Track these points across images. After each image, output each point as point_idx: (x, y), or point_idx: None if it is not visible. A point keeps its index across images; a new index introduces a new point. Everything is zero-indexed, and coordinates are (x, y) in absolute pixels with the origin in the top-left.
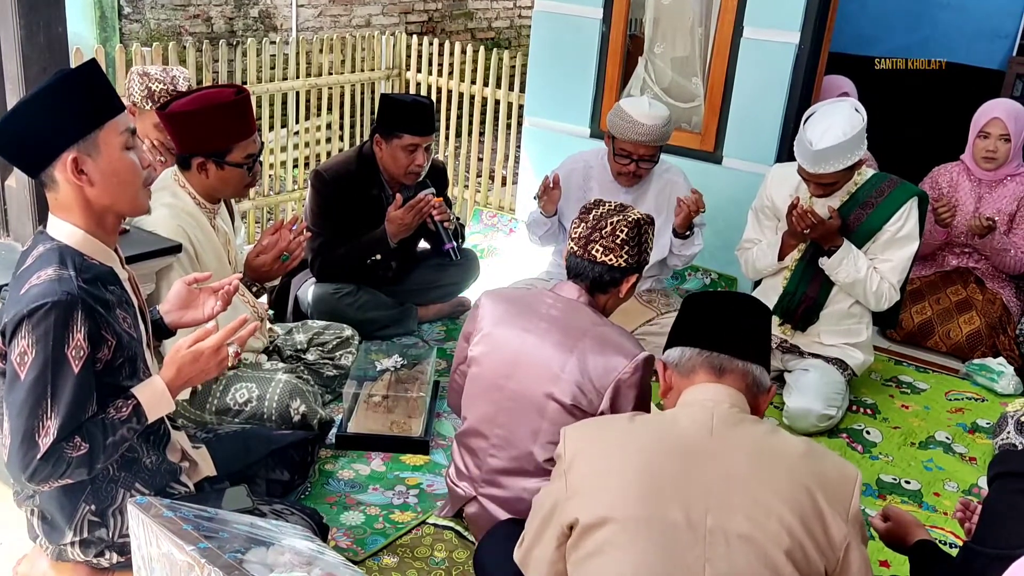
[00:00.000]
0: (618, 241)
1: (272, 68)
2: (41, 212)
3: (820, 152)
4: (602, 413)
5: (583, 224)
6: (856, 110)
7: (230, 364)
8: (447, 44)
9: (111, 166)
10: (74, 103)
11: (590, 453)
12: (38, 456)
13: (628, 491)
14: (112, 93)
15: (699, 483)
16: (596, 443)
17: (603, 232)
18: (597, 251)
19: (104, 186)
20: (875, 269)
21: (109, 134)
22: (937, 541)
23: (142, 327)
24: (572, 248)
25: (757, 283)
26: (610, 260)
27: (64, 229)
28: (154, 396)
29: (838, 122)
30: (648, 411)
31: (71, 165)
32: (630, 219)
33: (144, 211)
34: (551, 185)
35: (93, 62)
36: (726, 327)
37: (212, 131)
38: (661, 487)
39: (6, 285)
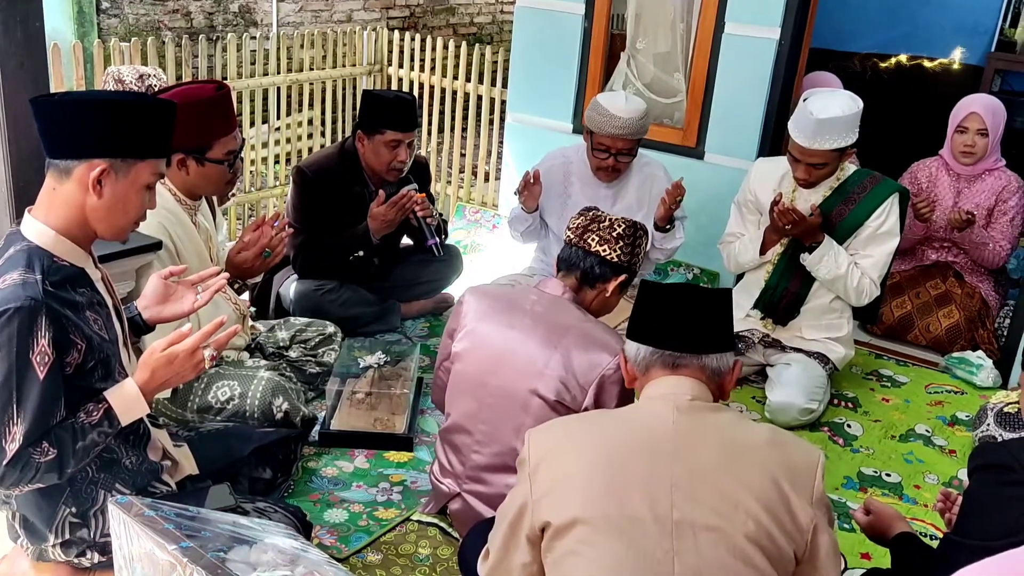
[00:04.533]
0: (614, 234)
1: (253, 64)
2: (19, 209)
3: (822, 122)
4: (586, 409)
5: (582, 217)
6: (851, 97)
7: (206, 367)
8: (429, 40)
9: (126, 195)
10: (143, 127)
11: (555, 455)
12: (4, 462)
13: (594, 491)
14: (171, 138)
15: (663, 477)
16: (560, 445)
17: (601, 224)
18: (592, 240)
19: (107, 207)
20: (856, 265)
21: (145, 168)
22: (918, 533)
23: (117, 326)
24: (568, 237)
25: (740, 277)
26: (603, 251)
27: (36, 228)
28: (127, 400)
29: (838, 100)
30: None
31: (97, 173)
32: (629, 219)
33: (122, 241)
34: (531, 181)
35: (176, 106)
36: (679, 326)
37: (192, 127)
38: (626, 484)
39: None
